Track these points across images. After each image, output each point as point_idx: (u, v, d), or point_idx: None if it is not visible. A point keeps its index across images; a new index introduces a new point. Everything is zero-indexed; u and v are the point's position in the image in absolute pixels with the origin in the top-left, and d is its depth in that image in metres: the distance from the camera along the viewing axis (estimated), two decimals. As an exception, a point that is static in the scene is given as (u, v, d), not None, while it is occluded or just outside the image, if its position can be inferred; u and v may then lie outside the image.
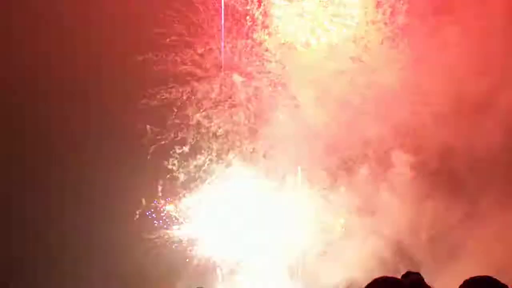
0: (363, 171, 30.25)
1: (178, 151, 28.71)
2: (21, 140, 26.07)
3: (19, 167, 26.41)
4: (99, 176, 27.06)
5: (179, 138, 28.47)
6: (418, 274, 6.09)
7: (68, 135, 26.73)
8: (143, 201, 28.72)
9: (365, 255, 30.25)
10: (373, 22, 27.91)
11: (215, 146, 29.23)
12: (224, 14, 27.89)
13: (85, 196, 27.81)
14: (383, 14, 27.45)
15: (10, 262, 26.00)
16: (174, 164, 28.50)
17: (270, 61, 29.02)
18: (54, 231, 27.04)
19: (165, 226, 29.22)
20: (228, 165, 29.79)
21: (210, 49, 28.52)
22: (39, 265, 26.74)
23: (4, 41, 24.98)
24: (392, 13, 27.34)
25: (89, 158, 26.90)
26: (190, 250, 29.65)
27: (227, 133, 29.20)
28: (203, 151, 29.15)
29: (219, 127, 29.12)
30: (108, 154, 26.62)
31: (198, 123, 28.84)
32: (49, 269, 26.61)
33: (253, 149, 29.47)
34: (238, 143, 29.46)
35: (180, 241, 29.70)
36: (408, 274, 6.06)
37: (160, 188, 28.75)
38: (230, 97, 29.09)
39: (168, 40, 27.13)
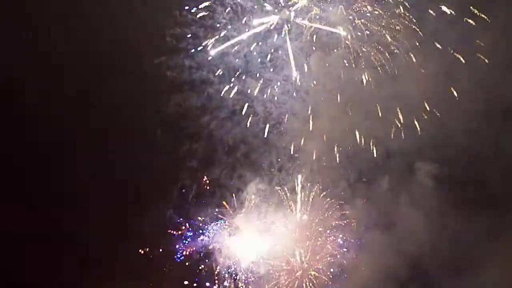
0: (383, 183, 29.00)
1: (189, 163, 26.90)
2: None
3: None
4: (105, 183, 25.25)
5: (192, 148, 26.58)
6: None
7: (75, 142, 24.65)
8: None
9: (381, 273, 29.00)
10: (400, 28, 26.31)
11: (229, 158, 27.53)
12: (242, 16, 26.07)
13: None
14: (411, 19, 25.84)
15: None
16: (186, 178, 26.71)
17: (289, 68, 27.30)
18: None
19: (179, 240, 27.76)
20: (242, 177, 28.16)
21: (226, 52, 26.63)
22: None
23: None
24: (420, 18, 25.74)
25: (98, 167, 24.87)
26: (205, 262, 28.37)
27: (242, 144, 27.47)
28: (216, 163, 27.41)
29: (234, 138, 27.37)
30: (120, 163, 24.57)
31: (212, 133, 27.02)
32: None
33: (270, 162, 27.79)
34: (254, 156, 27.78)
35: (190, 254, 28.33)
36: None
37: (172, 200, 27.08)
38: (246, 105, 27.30)
39: (183, 43, 25.19)
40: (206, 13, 25.29)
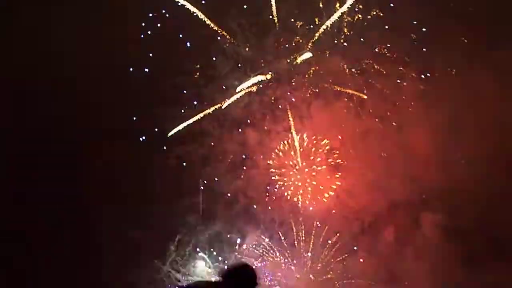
0: (388, 236, 28.02)
1: (188, 218, 25.66)
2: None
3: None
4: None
5: (191, 202, 25.42)
6: None
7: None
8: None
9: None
10: (402, 77, 26.05)
11: (229, 211, 26.38)
12: (243, 67, 25.63)
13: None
14: (415, 69, 25.63)
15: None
16: (185, 233, 25.43)
17: (290, 118, 26.69)
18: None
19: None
20: (242, 232, 27.02)
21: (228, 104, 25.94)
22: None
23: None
24: (424, 67, 25.52)
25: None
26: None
27: (243, 197, 26.44)
28: (216, 217, 26.24)
29: (235, 191, 26.34)
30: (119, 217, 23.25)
31: (212, 187, 25.97)
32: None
33: (272, 219, 26.71)
34: (254, 209, 26.73)
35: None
36: None
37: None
38: (247, 158, 26.48)
39: (185, 92, 24.51)
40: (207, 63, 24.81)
